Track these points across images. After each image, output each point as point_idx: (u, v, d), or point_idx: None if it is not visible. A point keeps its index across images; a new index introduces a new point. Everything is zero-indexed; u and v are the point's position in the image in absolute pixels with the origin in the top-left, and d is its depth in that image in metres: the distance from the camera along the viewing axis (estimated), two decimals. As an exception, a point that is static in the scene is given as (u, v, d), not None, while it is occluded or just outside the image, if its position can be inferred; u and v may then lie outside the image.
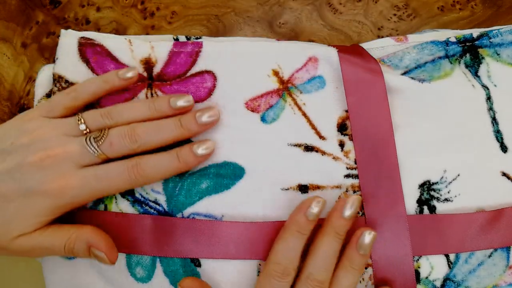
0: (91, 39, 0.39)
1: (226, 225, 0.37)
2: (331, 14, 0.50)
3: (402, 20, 0.49)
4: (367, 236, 0.35)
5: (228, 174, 0.38)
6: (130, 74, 0.38)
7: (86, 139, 0.35)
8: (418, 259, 0.37)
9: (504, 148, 0.39)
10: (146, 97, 0.39)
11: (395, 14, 0.49)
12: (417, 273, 0.37)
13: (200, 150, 0.37)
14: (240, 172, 0.38)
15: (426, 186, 0.38)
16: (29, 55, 0.49)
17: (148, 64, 0.39)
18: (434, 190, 0.38)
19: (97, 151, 0.35)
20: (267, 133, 0.39)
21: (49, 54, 0.49)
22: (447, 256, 0.37)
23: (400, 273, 0.36)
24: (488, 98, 0.40)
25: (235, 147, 0.39)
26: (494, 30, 0.41)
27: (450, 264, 0.37)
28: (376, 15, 0.49)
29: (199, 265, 0.37)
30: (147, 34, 0.50)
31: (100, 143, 0.35)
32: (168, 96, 0.37)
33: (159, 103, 0.37)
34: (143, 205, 0.38)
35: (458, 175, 0.38)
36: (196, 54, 0.39)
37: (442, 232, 0.37)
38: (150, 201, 0.38)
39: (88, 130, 0.36)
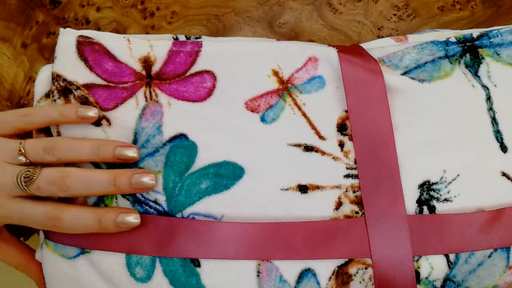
0: (89, 38, 0.39)
1: (226, 225, 0.37)
2: (331, 14, 0.50)
3: (402, 20, 0.49)
4: None
5: (227, 174, 0.38)
6: (90, 114, 0.38)
7: (17, 177, 0.36)
8: (418, 259, 0.37)
9: (504, 148, 0.39)
10: (145, 96, 0.39)
11: (395, 14, 0.49)
12: (417, 274, 0.37)
13: (127, 220, 0.37)
14: (239, 172, 0.38)
15: (426, 186, 0.38)
16: (29, 55, 0.49)
17: (146, 62, 0.39)
18: (433, 190, 0.38)
19: (25, 190, 0.36)
20: (266, 133, 0.39)
21: (49, 54, 0.49)
22: (447, 256, 0.37)
23: (400, 273, 0.36)
24: (488, 98, 0.40)
25: (235, 147, 0.39)
26: (494, 30, 0.41)
27: (450, 264, 0.37)
28: (376, 15, 0.49)
29: (199, 265, 0.37)
30: (147, 34, 0.50)
31: (29, 184, 0.36)
32: (115, 144, 0.37)
33: (104, 149, 0.37)
34: (143, 205, 0.38)
35: (458, 175, 0.38)
36: (196, 54, 0.39)
37: (442, 232, 0.37)
38: (150, 201, 0.38)
39: (27, 161, 0.37)
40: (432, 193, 0.38)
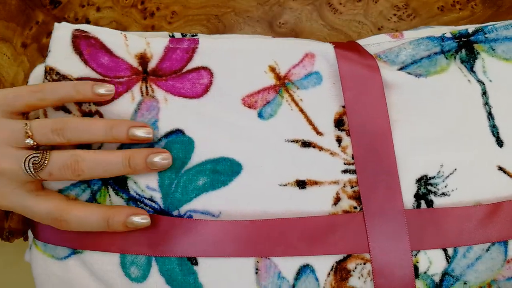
0: (85, 32, 0.39)
1: (223, 224, 0.37)
2: (331, 14, 0.50)
3: (402, 20, 0.49)
4: None
5: (225, 170, 0.38)
6: (104, 91, 0.37)
7: (24, 162, 0.34)
8: (416, 254, 0.37)
9: (500, 143, 0.39)
10: (141, 91, 0.38)
11: (395, 14, 0.49)
12: (416, 268, 0.37)
13: (136, 221, 0.36)
14: (237, 168, 0.38)
15: (423, 181, 0.38)
16: (29, 55, 0.49)
17: (143, 59, 0.39)
18: (431, 184, 0.38)
19: (35, 176, 0.34)
20: (264, 129, 0.39)
21: (49, 54, 0.49)
22: (445, 250, 0.37)
23: (399, 268, 0.36)
24: (484, 93, 0.40)
25: (232, 143, 0.38)
26: (490, 25, 0.41)
27: (448, 259, 0.37)
28: (376, 15, 0.49)
29: (196, 263, 0.37)
30: (147, 34, 0.50)
31: (39, 170, 0.34)
32: (128, 124, 0.36)
33: (118, 130, 0.36)
34: (138, 202, 0.38)
35: (455, 169, 0.38)
36: (193, 51, 0.39)
37: (440, 226, 0.37)
38: (146, 198, 0.38)
39: (34, 144, 0.35)
40: (429, 187, 0.38)
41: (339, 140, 0.39)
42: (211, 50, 0.39)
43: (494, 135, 0.39)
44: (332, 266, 0.37)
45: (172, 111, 0.38)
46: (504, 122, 0.39)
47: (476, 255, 0.37)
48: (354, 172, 0.38)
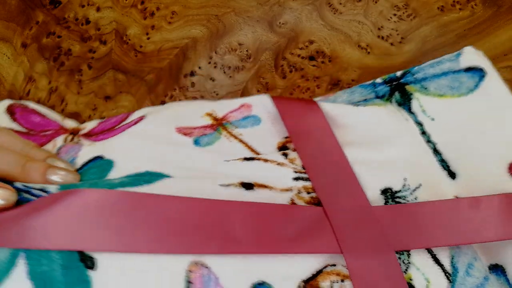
0: (25, 104, 0.39)
1: (128, 195, 0.28)
2: (331, 14, 0.50)
3: (402, 20, 0.49)
4: None
5: (150, 177, 0.32)
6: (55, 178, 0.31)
7: None
8: (406, 270, 0.30)
9: (452, 175, 0.37)
10: (65, 140, 0.38)
11: (395, 14, 0.49)
12: (411, 287, 0.30)
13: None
14: (165, 176, 0.32)
15: (389, 194, 0.34)
16: (29, 55, 0.49)
17: (76, 129, 0.39)
18: (399, 197, 0.34)
19: None
20: (200, 153, 0.35)
21: (49, 54, 0.49)
22: (441, 266, 0.31)
23: (386, 274, 0.30)
24: (423, 132, 0.38)
25: (162, 162, 0.33)
26: (415, 67, 0.40)
27: (449, 276, 0.31)
28: (376, 15, 0.49)
29: (92, 266, 0.26)
30: (147, 34, 0.50)
31: None
32: (46, 166, 0.31)
33: (34, 166, 0.30)
34: (23, 193, 0.29)
35: (420, 184, 0.35)
36: (127, 115, 0.39)
37: (417, 222, 0.32)
38: (35, 189, 0.29)
39: None
40: (398, 200, 0.34)
41: (285, 154, 0.36)
42: (146, 109, 0.39)
43: (445, 169, 0.37)
44: (298, 287, 0.28)
45: (93, 147, 0.35)
46: (452, 154, 0.37)
47: (482, 274, 0.31)
48: (307, 179, 0.34)
